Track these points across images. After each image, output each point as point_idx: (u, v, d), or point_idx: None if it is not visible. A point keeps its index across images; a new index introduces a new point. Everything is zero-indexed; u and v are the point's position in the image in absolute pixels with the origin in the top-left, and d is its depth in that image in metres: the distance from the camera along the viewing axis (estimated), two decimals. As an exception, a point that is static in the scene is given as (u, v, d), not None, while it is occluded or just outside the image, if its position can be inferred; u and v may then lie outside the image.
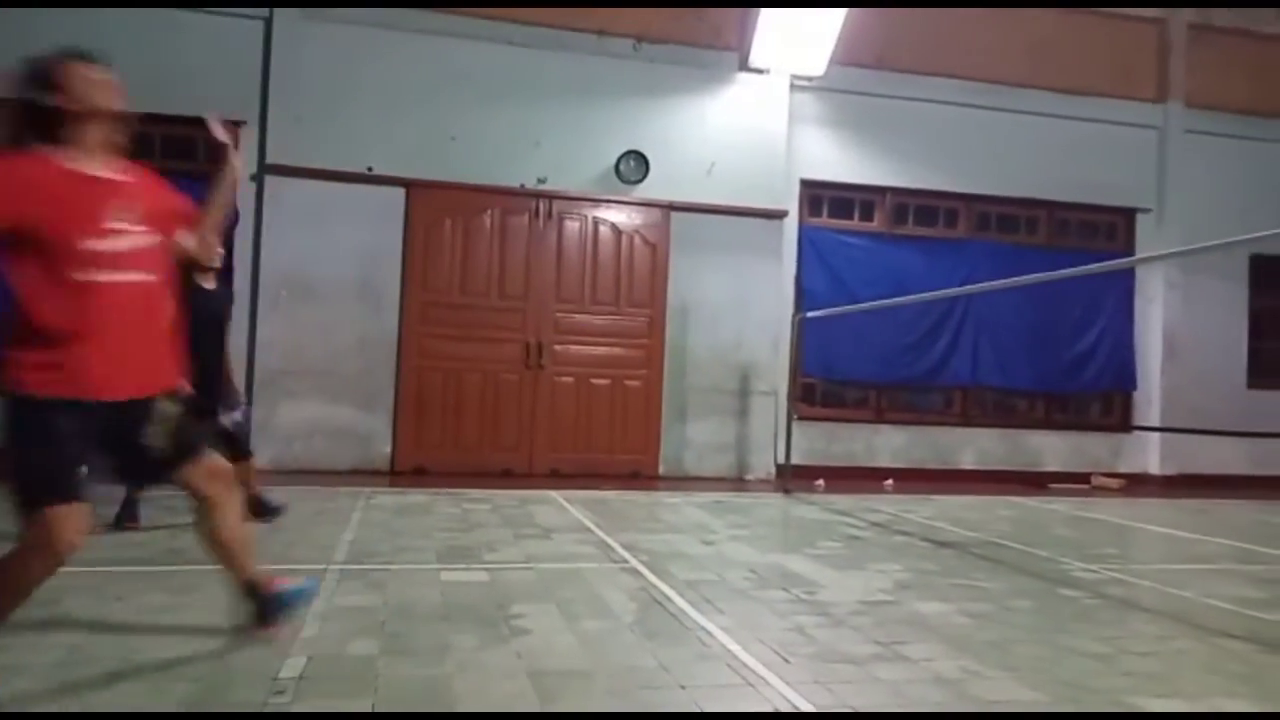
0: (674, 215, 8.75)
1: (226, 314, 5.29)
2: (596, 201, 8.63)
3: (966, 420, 9.85)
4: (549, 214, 8.54)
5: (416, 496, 6.69)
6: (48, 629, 3.10)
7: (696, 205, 8.78)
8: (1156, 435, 9.96)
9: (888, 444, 9.53)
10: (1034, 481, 9.48)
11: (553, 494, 7.03)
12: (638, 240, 8.71)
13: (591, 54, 8.62)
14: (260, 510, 5.19)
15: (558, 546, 4.99)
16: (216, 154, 2.97)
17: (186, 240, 2.84)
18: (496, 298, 8.40)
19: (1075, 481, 9.58)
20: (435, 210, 8.26)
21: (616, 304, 8.65)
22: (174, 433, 2.72)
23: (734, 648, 3.19)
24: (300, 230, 7.92)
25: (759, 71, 8.95)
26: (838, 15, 8.64)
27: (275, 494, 5.51)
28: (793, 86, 9.10)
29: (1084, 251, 9.77)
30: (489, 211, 8.41)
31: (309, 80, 7.98)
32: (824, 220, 9.58)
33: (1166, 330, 10.16)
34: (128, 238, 2.55)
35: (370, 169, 8.08)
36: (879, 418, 9.64)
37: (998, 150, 9.78)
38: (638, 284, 8.70)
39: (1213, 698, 2.87)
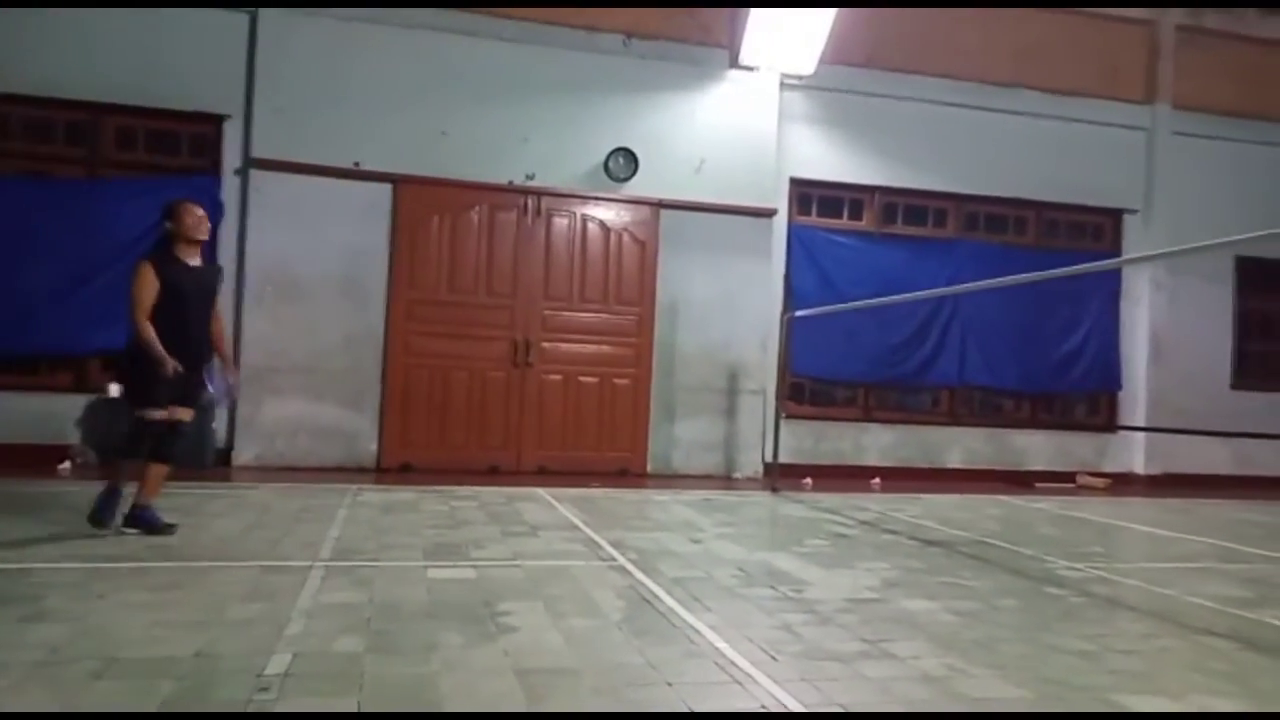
0: (663, 213, 8.74)
1: (214, 288, 5.04)
2: (585, 198, 8.60)
3: (954, 419, 9.88)
4: (537, 211, 8.51)
5: (403, 494, 6.65)
6: (28, 627, 3.07)
7: (686, 203, 8.76)
8: (1142, 435, 10.02)
9: (875, 443, 9.55)
10: (1020, 480, 9.52)
11: (540, 491, 7.00)
12: (626, 238, 8.69)
13: (581, 50, 8.59)
14: (138, 522, 4.68)
15: (545, 544, 4.98)
16: None
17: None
18: (484, 295, 8.37)
19: (1061, 481, 9.63)
20: (423, 206, 8.21)
21: (605, 302, 8.63)
22: None
23: (722, 645, 3.19)
24: (286, 226, 7.86)
25: (749, 69, 8.94)
26: (828, 14, 8.64)
27: (256, 494, 5.45)
28: (782, 85, 9.10)
29: (1072, 252, 9.83)
30: (477, 208, 8.37)
31: (295, 74, 7.92)
32: (813, 219, 9.59)
33: (1152, 331, 10.22)
34: None
35: (357, 164, 8.03)
36: (867, 417, 9.66)
37: (986, 150, 9.81)
38: (626, 282, 8.68)
39: (1196, 695, 2.89)
